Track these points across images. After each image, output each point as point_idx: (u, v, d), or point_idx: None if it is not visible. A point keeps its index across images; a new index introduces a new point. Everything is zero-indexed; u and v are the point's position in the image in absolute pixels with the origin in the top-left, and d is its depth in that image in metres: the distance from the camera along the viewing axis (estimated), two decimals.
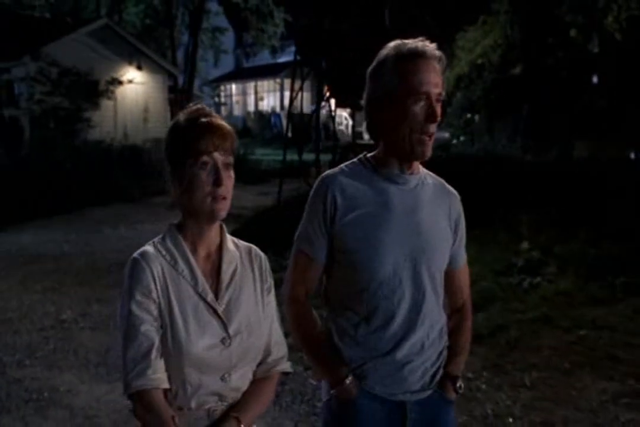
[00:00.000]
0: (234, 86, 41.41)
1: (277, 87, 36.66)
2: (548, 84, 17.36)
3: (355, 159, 2.11)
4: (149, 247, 1.77)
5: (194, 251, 1.78)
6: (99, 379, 5.13)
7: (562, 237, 7.05)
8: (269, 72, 36.50)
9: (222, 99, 39.68)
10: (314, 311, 2.09)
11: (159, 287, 1.71)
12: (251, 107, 39.83)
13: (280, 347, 1.90)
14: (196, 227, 1.77)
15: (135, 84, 18.57)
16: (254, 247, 1.91)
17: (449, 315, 2.19)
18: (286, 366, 1.91)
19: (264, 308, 1.86)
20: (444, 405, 2.10)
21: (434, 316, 2.07)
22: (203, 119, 1.73)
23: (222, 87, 41.11)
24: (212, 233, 1.80)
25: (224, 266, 1.79)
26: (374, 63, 2.02)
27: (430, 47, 1.98)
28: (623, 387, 4.58)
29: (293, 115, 13.97)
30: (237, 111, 40.71)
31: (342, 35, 9.05)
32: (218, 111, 37.88)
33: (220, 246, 1.82)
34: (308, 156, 13.94)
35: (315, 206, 2.04)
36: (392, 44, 2.02)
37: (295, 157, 12.82)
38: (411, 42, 1.99)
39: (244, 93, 41.17)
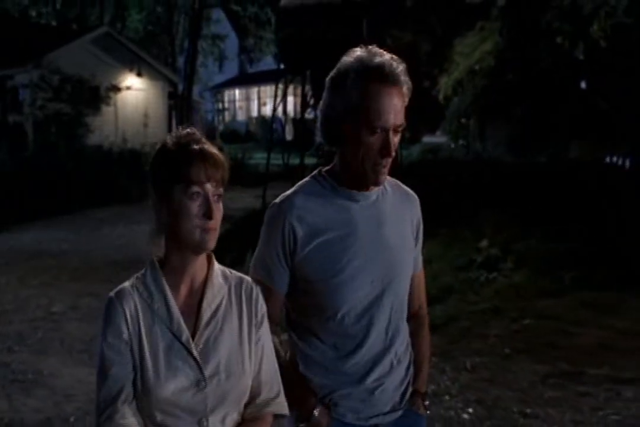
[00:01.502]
0: (237, 91, 41.92)
1: (280, 92, 37.07)
2: (537, 90, 17.74)
3: (309, 177, 1.97)
4: (126, 284, 1.68)
5: (175, 287, 1.67)
6: (81, 363, 5.61)
7: (521, 235, 7.50)
8: (272, 78, 36.88)
9: (226, 105, 40.20)
10: (277, 340, 1.93)
11: (130, 328, 1.62)
12: (254, 112, 40.33)
13: (272, 387, 1.76)
14: (180, 258, 1.67)
15: (135, 90, 19.12)
16: (246, 278, 1.79)
17: (407, 320, 2.07)
18: (279, 407, 1.77)
19: (251, 346, 1.73)
20: (418, 420, 2.05)
21: (402, 332, 2.00)
22: (195, 146, 1.63)
23: (226, 93, 41.65)
24: (198, 264, 1.69)
25: (205, 303, 1.68)
26: (335, 71, 1.87)
27: (400, 69, 1.82)
28: (554, 369, 5.03)
29: (294, 120, 14.43)
30: (240, 116, 41.24)
31: (325, 45, 9.51)
32: (220, 117, 38.49)
33: (206, 280, 1.71)
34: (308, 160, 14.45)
35: (273, 236, 1.89)
36: (357, 52, 1.85)
37: (295, 160, 13.22)
38: (379, 57, 1.82)
39: (247, 98, 41.66)
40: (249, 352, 1.71)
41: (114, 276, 8.59)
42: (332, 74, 1.88)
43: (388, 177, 1.97)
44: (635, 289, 6.20)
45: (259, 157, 22.87)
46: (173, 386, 1.61)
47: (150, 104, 19.81)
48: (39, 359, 5.70)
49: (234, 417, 1.70)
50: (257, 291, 1.77)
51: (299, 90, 15.30)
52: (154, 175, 1.66)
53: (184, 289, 1.68)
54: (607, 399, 4.51)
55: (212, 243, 1.64)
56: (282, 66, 11.29)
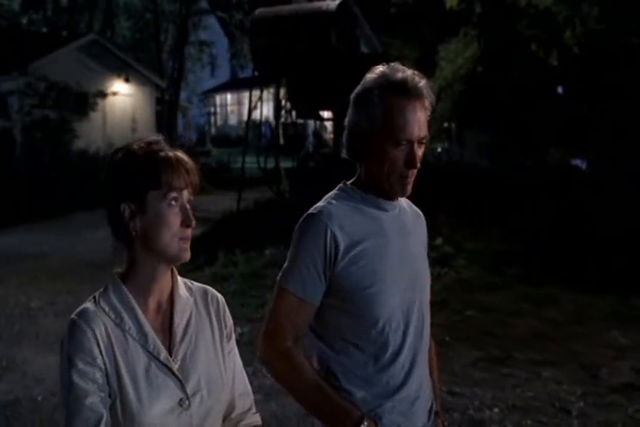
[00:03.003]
0: (229, 96, 42.37)
1: (270, 97, 37.50)
2: (514, 96, 18.22)
3: (335, 190, 1.99)
4: (89, 304, 1.56)
5: (143, 303, 1.58)
6: (54, 353, 5.98)
7: (474, 235, 7.95)
8: (262, 82, 37.23)
9: (218, 109, 40.61)
10: (302, 353, 1.92)
11: (103, 351, 1.51)
12: (246, 117, 40.67)
13: (245, 399, 1.73)
14: (150, 272, 1.58)
15: (123, 95, 19.54)
16: (209, 289, 1.73)
17: None
18: (255, 419, 1.74)
19: (224, 358, 1.67)
20: None
21: (428, 343, 2.03)
22: (169, 152, 1.56)
23: (218, 97, 42.10)
24: (166, 278, 1.61)
25: (177, 318, 1.61)
26: (360, 88, 1.91)
27: (422, 83, 1.86)
28: (486, 354, 5.46)
29: (284, 126, 14.87)
30: (232, 120, 41.66)
31: (297, 53, 9.94)
32: (209, 121, 38.93)
33: (172, 294, 1.63)
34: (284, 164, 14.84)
35: (312, 245, 1.86)
36: (380, 69, 1.90)
37: (285, 164, 13.53)
38: (401, 72, 1.87)
39: (239, 102, 42.06)
40: (223, 365, 1.66)
41: (91, 276, 9.00)
42: (356, 90, 1.92)
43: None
44: (570, 284, 6.65)
45: (246, 161, 23.29)
46: (157, 408, 1.53)
47: (137, 110, 20.22)
48: (13, 350, 6.08)
49: None
50: (223, 301, 1.72)
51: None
52: (123, 183, 1.54)
53: (152, 305, 1.60)
54: (527, 379, 4.95)
55: (188, 253, 1.57)
56: (256, 74, 11.69)
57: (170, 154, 1.55)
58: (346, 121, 1.93)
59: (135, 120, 19.85)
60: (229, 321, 1.71)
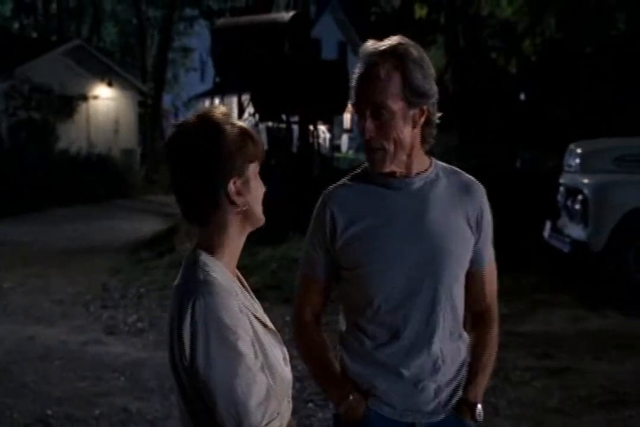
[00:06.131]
0: (217, 101, 43.17)
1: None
2: (479, 101, 19.13)
3: (357, 170, 2.00)
4: (210, 278, 1.53)
5: (232, 271, 1.64)
6: (17, 322, 6.89)
7: None
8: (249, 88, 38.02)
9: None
10: (323, 334, 2.00)
11: (247, 319, 1.55)
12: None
13: None
14: (236, 244, 1.61)
15: (107, 99, 20.41)
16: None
17: (471, 321, 2.02)
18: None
19: None
20: None
21: (450, 329, 1.92)
22: (242, 123, 1.60)
23: (207, 102, 42.98)
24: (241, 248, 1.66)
25: (248, 287, 1.69)
26: None
27: (378, 47, 1.83)
28: None
29: (271, 129, 15.72)
30: None
31: (254, 61, 10.81)
32: None
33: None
34: None
35: (315, 225, 1.96)
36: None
37: None
38: (365, 47, 1.86)
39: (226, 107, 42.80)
40: None
41: (61, 262, 9.88)
42: None
43: (448, 167, 2.00)
44: None
45: None
46: (287, 369, 1.63)
47: (120, 113, 21.07)
48: None
49: None
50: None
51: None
52: (225, 159, 1.53)
53: (232, 273, 1.64)
54: None
55: None
56: (217, 80, 12.58)
57: (244, 124, 1.61)
58: None
59: (118, 123, 20.72)
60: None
